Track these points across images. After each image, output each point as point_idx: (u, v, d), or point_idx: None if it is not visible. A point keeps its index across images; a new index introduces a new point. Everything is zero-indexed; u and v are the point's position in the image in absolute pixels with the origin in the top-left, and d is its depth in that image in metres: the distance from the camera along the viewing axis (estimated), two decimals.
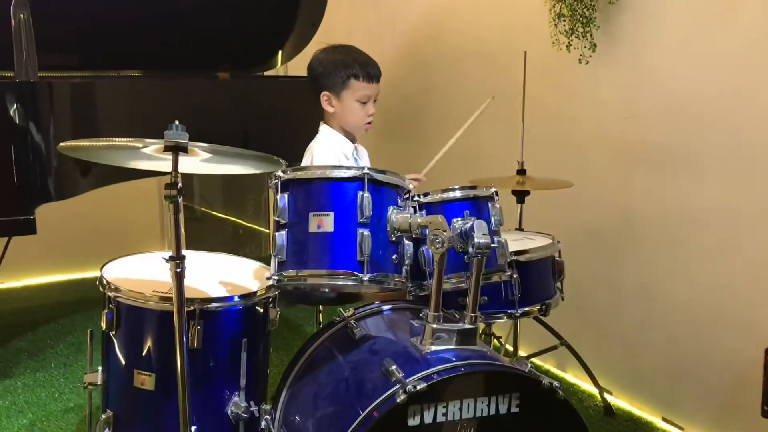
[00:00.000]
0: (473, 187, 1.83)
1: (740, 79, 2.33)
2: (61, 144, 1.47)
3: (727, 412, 2.47)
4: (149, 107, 2.98)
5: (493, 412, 1.56)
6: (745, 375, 2.36)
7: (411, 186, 1.81)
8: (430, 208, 1.78)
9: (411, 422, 1.50)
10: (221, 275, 1.95)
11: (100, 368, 1.88)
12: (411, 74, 3.78)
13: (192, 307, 1.69)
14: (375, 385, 1.58)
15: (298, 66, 4.17)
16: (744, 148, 2.34)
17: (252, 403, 1.80)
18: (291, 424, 1.79)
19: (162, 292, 1.75)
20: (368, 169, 1.68)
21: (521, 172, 2.64)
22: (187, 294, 1.58)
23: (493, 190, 1.85)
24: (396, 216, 1.70)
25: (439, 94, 3.65)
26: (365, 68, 2.27)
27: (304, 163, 2.37)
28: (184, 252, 1.52)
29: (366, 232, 1.64)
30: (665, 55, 2.55)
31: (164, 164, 1.54)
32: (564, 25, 2.70)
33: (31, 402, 2.75)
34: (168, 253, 1.50)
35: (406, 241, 1.72)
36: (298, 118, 2.63)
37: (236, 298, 1.79)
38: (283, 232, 1.68)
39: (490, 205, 1.84)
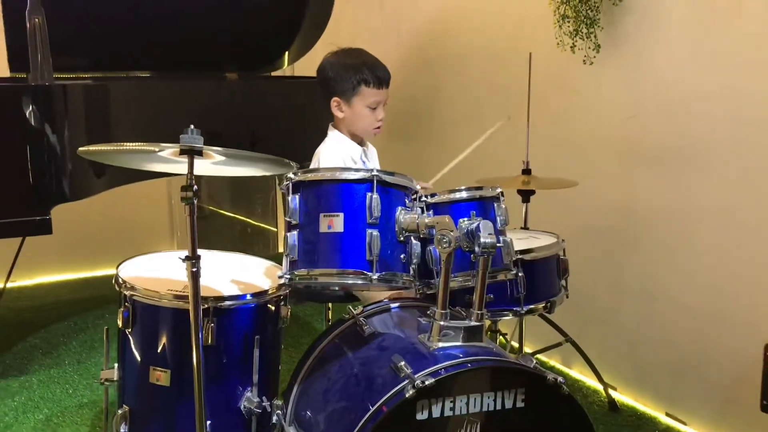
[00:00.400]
0: (479, 188, 1.87)
1: (743, 79, 2.36)
2: (80, 148, 1.52)
3: (728, 407, 2.51)
4: (162, 108, 3.03)
5: (499, 406, 1.60)
6: (746, 371, 2.40)
7: (418, 187, 1.86)
8: (437, 208, 1.82)
9: (419, 416, 1.55)
10: (233, 274, 2.00)
11: (116, 365, 1.93)
12: (416, 74, 3.82)
13: (206, 305, 1.73)
14: (384, 381, 1.62)
15: (304, 66, 4.22)
16: (746, 148, 2.37)
17: (264, 398, 1.84)
18: (302, 418, 1.83)
19: (176, 291, 1.80)
20: (377, 170, 1.72)
21: (526, 171, 2.68)
22: (201, 292, 1.63)
23: (499, 190, 1.89)
24: (404, 216, 1.74)
25: (444, 94, 3.68)
26: (375, 73, 2.28)
27: (312, 166, 2.41)
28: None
29: (375, 233, 1.69)
30: (669, 55, 2.58)
31: (179, 167, 1.59)
32: (568, 26, 2.73)
33: (47, 398, 2.81)
34: (184, 253, 1.55)
35: (414, 241, 1.77)
36: (310, 118, 2.66)
37: (248, 297, 1.84)
38: (295, 233, 1.72)
39: (495, 205, 1.87)
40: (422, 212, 1.79)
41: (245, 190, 5.25)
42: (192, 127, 1.47)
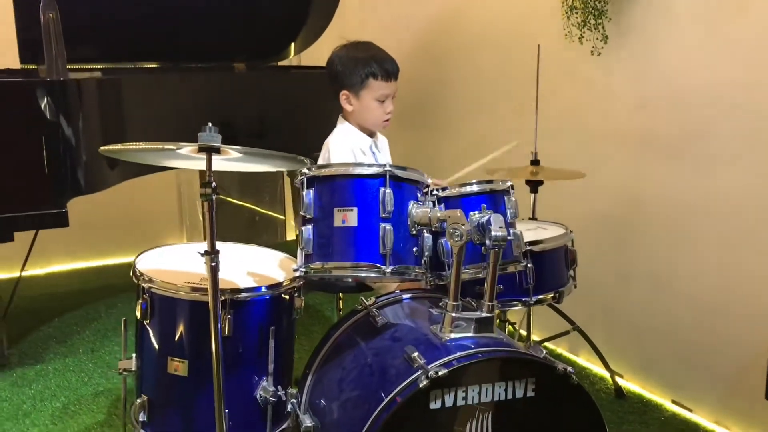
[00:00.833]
0: (490, 182, 1.90)
1: (751, 70, 2.37)
2: (102, 147, 1.56)
3: (733, 395, 2.55)
4: (175, 100, 3.07)
5: (510, 396, 1.64)
6: (751, 359, 2.43)
7: (430, 181, 1.89)
8: (448, 201, 1.85)
9: (432, 406, 1.59)
10: (248, 266, 2.03)
11: (133, 355, 1.97)
12: (425, 63, 3.83)
13: (223, 298, 1.76)
14: (398, 371, 1.66)
15: (311, 56, 4.24)
16: (755, 140, 2.39)
17: (279, 387, 1.88)
18: (316, 406, 1.88)
19: (193, 283, 1.83)
20: (390, 165, 1.75)
21: (535, 162, 2.70)
22: None
23: (509, 183, 1.92)
24: (416, 210, 1.78)
25: (452, 84, 3.70)
26: (383, 66, 2.31)
27: (321, 158, 2.44)
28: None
29: (388, 227, 1.72)
30: (676, 46, 2.59)
31: (196, 163, 1.62)
32: (576, 18, 2.75)
33: (63, 386, 2.86)
34: (203, 247, 1.58)
35: (426, 234, 1.80)
36: (321, 108, 2.68)
37: (264, 289, 1.87)
38: (309, 227, 1.76)
39: (506, 198, 1.90)
40: (434, 206, 1.83)
41: (253, 178, 5.27)
42: (210, 125, 1.50)
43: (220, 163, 1.69)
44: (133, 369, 1.96)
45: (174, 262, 2.01)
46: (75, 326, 3.47)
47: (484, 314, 1.74)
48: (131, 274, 1.93)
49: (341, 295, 2.60)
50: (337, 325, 2.01)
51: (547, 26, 2.89)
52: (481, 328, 1.73)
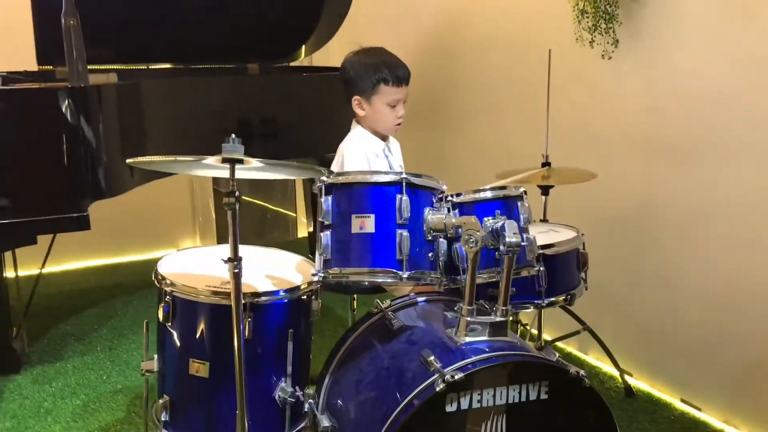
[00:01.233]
0: (503, 188, 1.94)
1: (761, 74, 2.40)
2: (129, 159, 1.60)
3: (743, 394, 2.59)
4: (194, 104, 3.12)
5: (523, 398, 1.68)
6: (760, 359, 2.47)
7: (444, 186, 1.93)
8: (462, 207, 1.89)
9: (448, 408, 1.63)
10: (266, 269, 2.08)
11: (155, 356, 2.02)
12: (435, 64, 3.87)
13: (243, 301, 1.81)
14: (414, 374, 1.71)
15: (322, 57, 4.28)
16: (763, 142, 2.42)
17: (297, 387, 1.93)
18: (334, 407, 1.93)
19: (214, 287, 1.88)
20: (406, 173, 1.79)
21: (546, 164, 2.73)
22: None
23: (522, 189, 1.96)
24: (432, 216, 1.82)
25: (463, 84, 3.73)
26: (394, 72, 2.35)
27: (335, 161, 2.49)
28: (226, 246, 1.65)
29: (405, 233, 1.76)
30: (686, 50, 2.62)
31: (219, 172, 1.66)
32: (587, 22, 2.78)
33: (83, 384, 2.92)
34: (222, 249, 1.62)
35: (441, 239, 1.84)
36: (338, 109, 2.71)
37: (282, 292, 1.92)
38: (328, 232, 1.80)
39: (519, 203, 1.94)
40: (448, 212, 1.86)
41: None
42: (233, 136, 1.54)
43: (241, 172, 1.74)
44: (155, 370, 2.01)
45: (194, 266, 2.06)
46: (92, 324, 3.53)
47: (498, 318, 1.78)
48: (153, 277, 1.97)
49: (355, 295, 2.65)
50: (353, 327, 2.06)
51: (558, 30, 2.92)
52: (496, 332, 1.78)
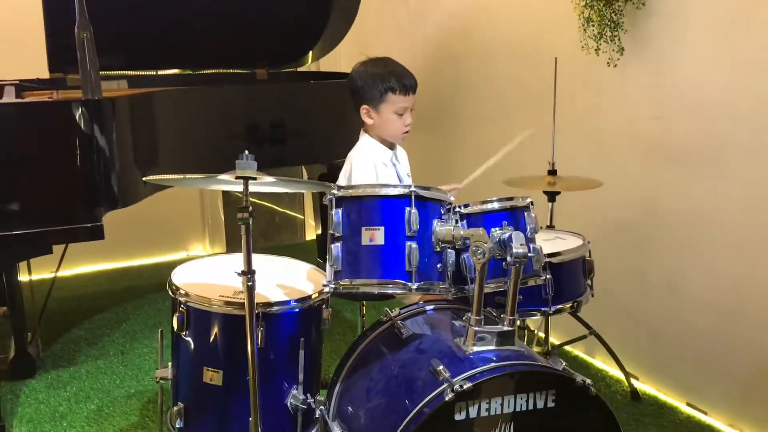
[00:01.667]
0: (510, 198, 1.98)
1: (763, 81, 2.42)
2: (145, 177, 1.65)
3: (749, 398, 2.61)
4: (206, 113, 3.17)
5: (531, 407, 1.72)
6: (765, 363, 2.49)
7: (452, 198, 1.96)
8: (470, 218, 1.93)
9: (457, 417, 1.67)
10: (277, 278, 2.12)
11: (169, 364, 2.07)
12: (441, 69, 3.90)
13: (256, 311, 1.86)
14: (424, 383, 1.74)
15: (329, 62, 4.31)
16: (766, 149, 2.44)
17: (308, 395, 1.98)
18: (344, 414, 1.96)
19: (227, 297, 1.93)
20: (414, 186, 1.83)
21: (552, 172, 2.77)
22: None
23: (528, 200, 1.99)
24: (440, 228, 1.85)
25: (469, 90, 3.76)
26: (401, 81, 2.39)
27: (344, 171, 2.53)
28: (237, 255, 1.69)
29: (414, 245, 1.80)
30: (691, 57, 2.64)
31: (232, 187, 1.70)
32: (593, 30, 2.80)
33: (96, 388, 2.96)
34: (234, 258, 1.66)
35: (449, 250, 1.88)
36: (347, 115, 2.73)
37: (293, 302, 1.97)
38: (338, 244, 1.84)
39: (526, 214, 1.98)
40: (456, 223, 1.90)
41: None
42: (246, 153, 1.58)
43: (253, 186, 1.78)
44: (170, 377, 2.06)
45: (208, 275, 2.10)
46: (105, 328, 3.58)
47: (506, 328, 1.82)
48: (168, 287, 2.02)
49: (364, 301, 2.69)
50: (363, 334, 2.10)
51: (564, 38, 2.95)
52: (503, 341, 1.81)
